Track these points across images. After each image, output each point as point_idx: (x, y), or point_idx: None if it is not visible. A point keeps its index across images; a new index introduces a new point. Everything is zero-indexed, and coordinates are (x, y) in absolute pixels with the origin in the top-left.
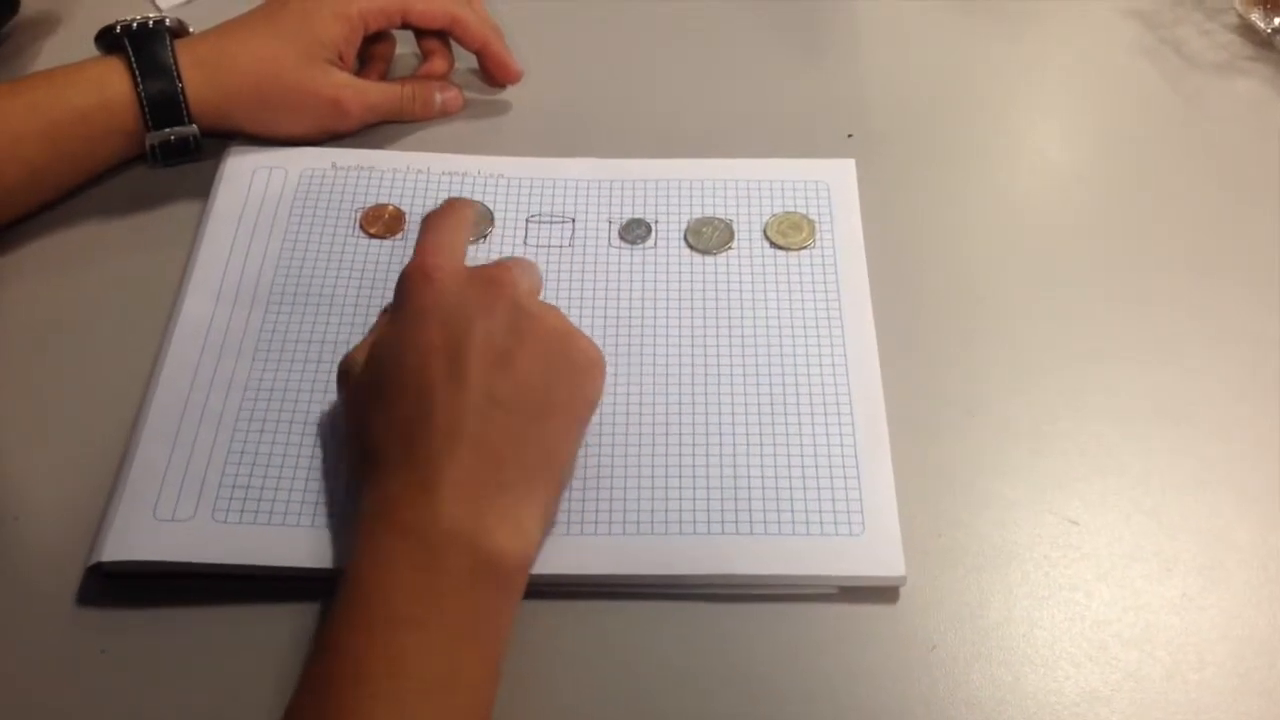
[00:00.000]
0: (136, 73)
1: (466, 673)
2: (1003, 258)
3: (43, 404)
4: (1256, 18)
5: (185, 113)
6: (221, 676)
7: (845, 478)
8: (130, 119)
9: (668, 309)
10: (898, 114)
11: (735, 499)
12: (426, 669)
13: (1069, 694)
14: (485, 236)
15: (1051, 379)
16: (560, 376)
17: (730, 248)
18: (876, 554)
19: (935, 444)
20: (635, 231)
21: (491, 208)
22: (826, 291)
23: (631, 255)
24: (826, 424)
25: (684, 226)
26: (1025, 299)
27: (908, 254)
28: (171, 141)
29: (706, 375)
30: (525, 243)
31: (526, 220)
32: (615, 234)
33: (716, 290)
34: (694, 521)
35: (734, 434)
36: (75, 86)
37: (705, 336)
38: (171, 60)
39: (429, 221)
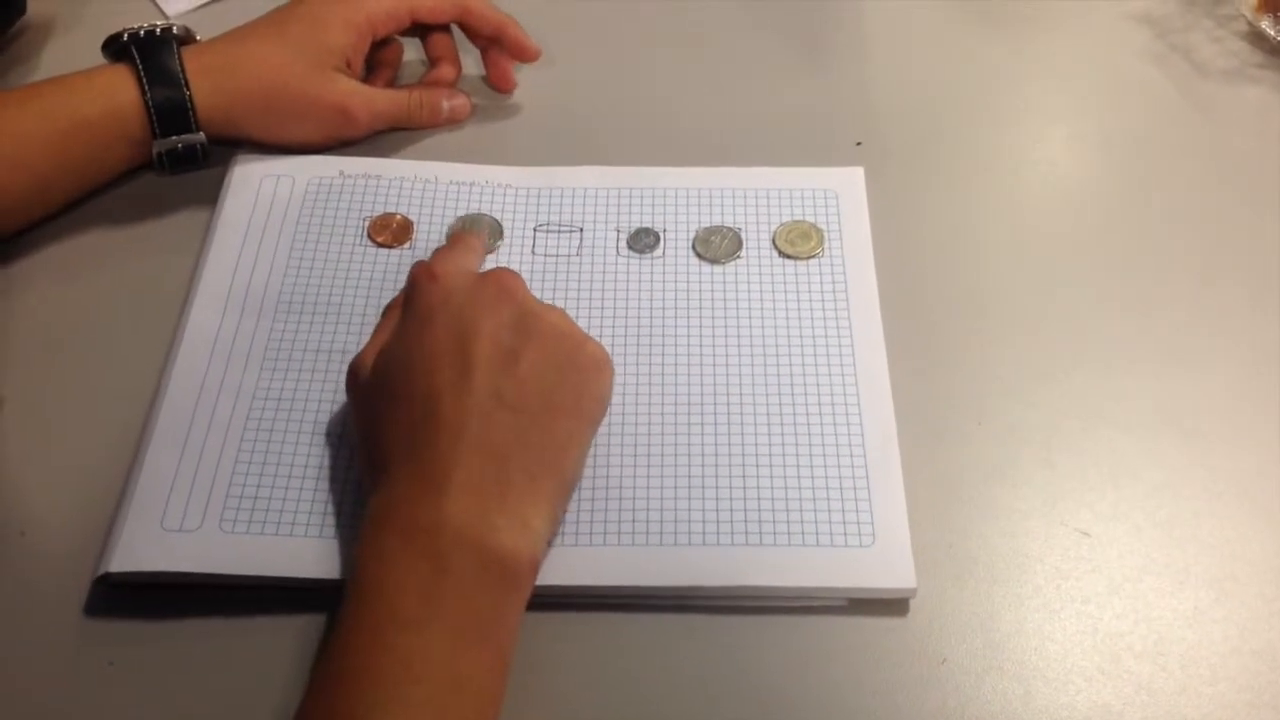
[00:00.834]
0: (144, 81)
1: (474, 673)
2: (1012, 265)
3: (50, 413)
4: (1266, 25)
5: (193, 120)
6: (228, 687)
7: (855, 489)
8: (137, 127)
9: (676, 318)
10: (906, 122)
11: (744, 510)
12: (434, 669)
13: (1081, 707)
14: (494, 250)
15: (1062, 388)
16: (566, 376)
17: (739, 257)
18: (887, 565)
19: (945, 454)
20: (643, 240)
21: (499, 217)
22: (835, 300)
23: (640, 264)
24: (836, 434)
25: (692, 235)
26: (1035, 307)
27: (916, 262)
28: (179, 149)
29: (715, 385)
30: (533, 252)
31: (534, 229)
32: (623, 243)
33: (725, 299)
34: (702, 533)
35: (743, 444)
36: (82, 94)
37: (714, 346)
38: (179, 68)
39: (441, 248)
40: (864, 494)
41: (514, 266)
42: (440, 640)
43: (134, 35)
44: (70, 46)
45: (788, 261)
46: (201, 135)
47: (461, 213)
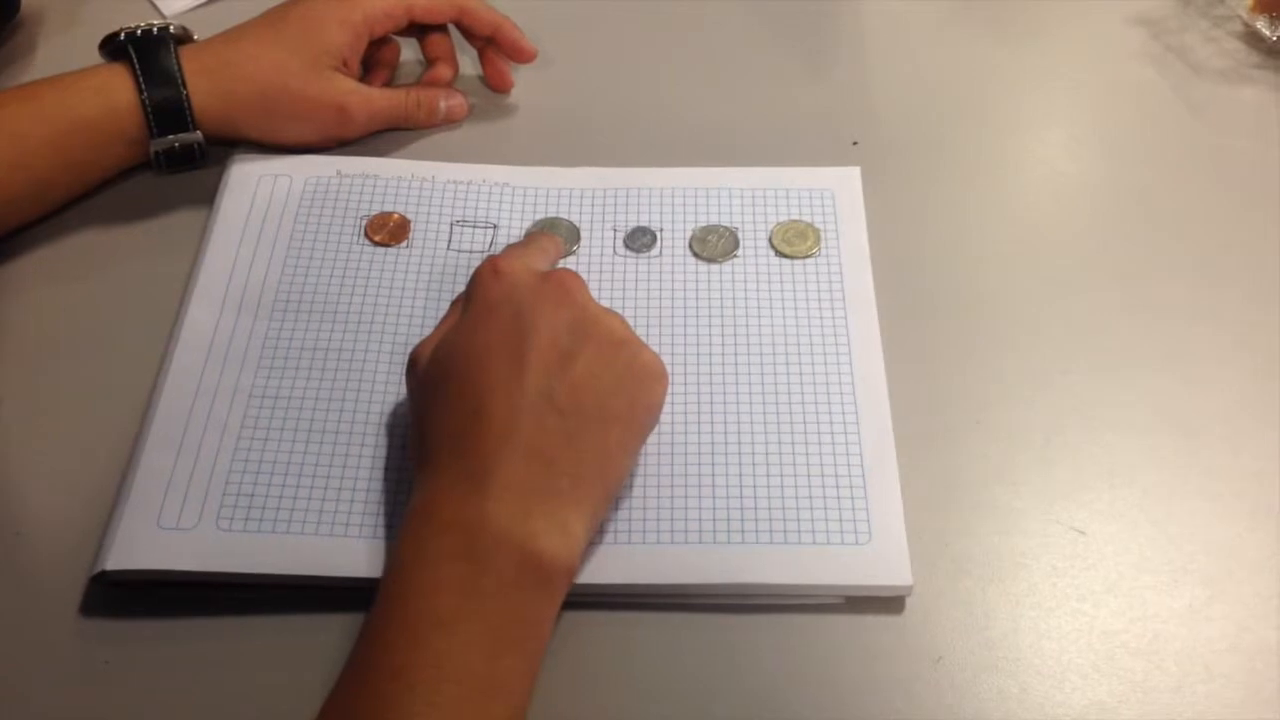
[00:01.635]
0: (141, 80)
1: (507, 676)
2: (1008, 266)
3: (46, 412)
4: (1262, 25)
5: (190, 120)
6: (225, 686)
7: (851, 487)
8: (134, 126)
9: (673, 317)
10: (903, 122)
11: (740, 508)
12: (467, 670)
13: (1076, 705)
14: (572, 254)
15: (1058, 388)
16: (620, 384)
17: (735, 256)
18: (883, 564)
19: (942, 453)
20: (640, 240)
21: (495, 216)
22: (832, 300)
23: (636, 263)
24: (833, 433)
25: (689, 235)
26: (1032, 307)
27: (913, 262)
28: (176, 149)
29: (711, 384)
30: None
31: (529, 229)
32: (620, 242)
33: (722, 298)
34: (699, 531)
35: (739, 443)
36: (79, 94)
37: (710, 345)
38: (176, 67)
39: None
40: (860, 492)
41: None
42: (475, 641)
43: (131, 35)
44: (66, 45)
45: (784, 261)
46: (199, 134)
47: (462, 214)
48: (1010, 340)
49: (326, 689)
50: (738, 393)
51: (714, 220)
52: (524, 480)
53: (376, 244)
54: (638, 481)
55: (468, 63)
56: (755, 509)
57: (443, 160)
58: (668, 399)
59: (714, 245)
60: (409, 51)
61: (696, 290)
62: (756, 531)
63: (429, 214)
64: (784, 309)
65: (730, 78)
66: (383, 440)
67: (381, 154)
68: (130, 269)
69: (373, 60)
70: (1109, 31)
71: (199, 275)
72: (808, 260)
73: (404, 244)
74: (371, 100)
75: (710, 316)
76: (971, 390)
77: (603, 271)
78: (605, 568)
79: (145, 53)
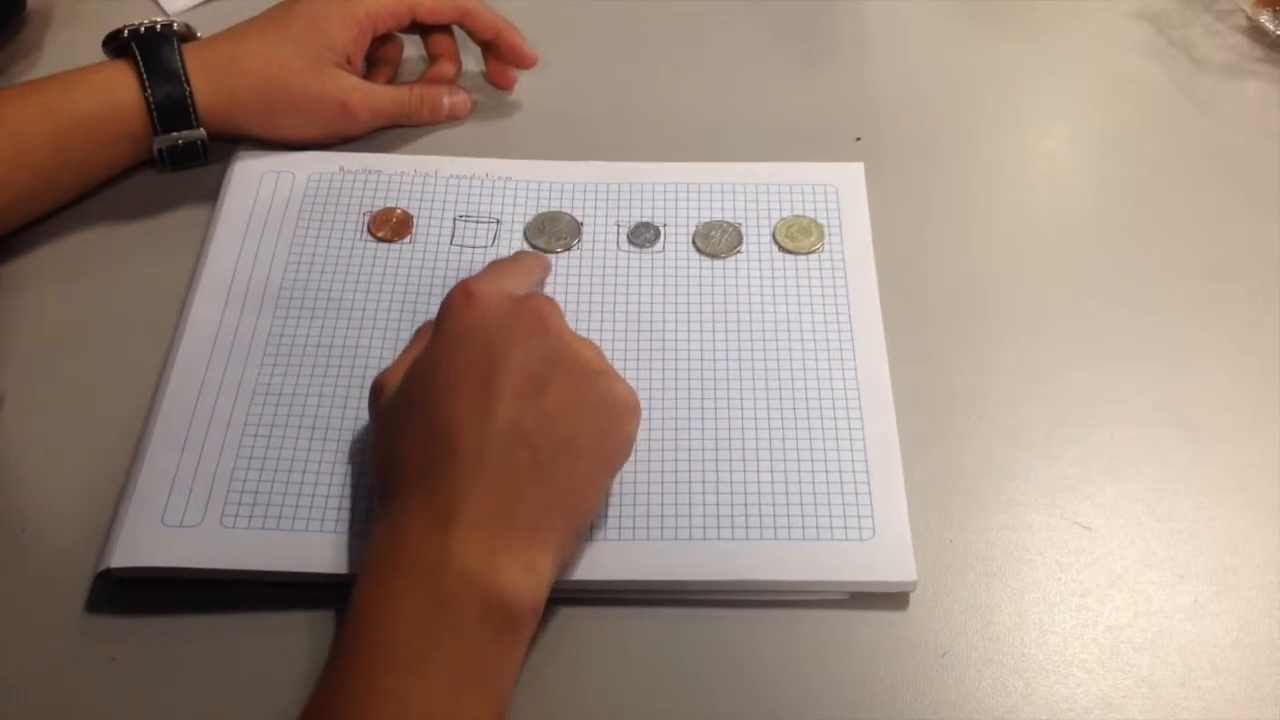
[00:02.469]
0: (144, 77)
1: (470, 718)
2: (1012, 261)
3: (51, 410)
4: (1266, 19)
5: (194, 117)
6: (230, 683)
7: (855, 482)
8: (138, 123)
9: (676, 313)
10: (906, 117)
11: (745, 504)
12: (430, 713)
13: (1081, 701)
14: (571, 249)
15: (1063, 383)
16: (591, 416)
17: (739, 251)
18: (887, 559)
19: (946, 448)
20: (643, 235)
21: (498, 211)
22: (835, 295)
23: (640, 259)
24: (836, 428)
25: (692, 230)
26: (1035, 302)
27: (917, 257)
28: (179, 146)
29: (715, 379)
30: (532, 246)
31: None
32: (623, 237)
33: (725, 294)
34: (703, 527)
35: (743, 439)
36: (83, 91)
37: (714, 340)
38: (179, 65)
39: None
40: (864, 488)
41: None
42: (438, 684)
43: (134, 32)
44: (70, 43)
45: (788, 256)
46: (202, 131)
47: (465, 210)
48: (1014, 335)
49: None
50: (741, 389)
51: (717, 216)
52: (490, 516)
53: (379, 240)
54: (641, 478)
55: (471, 60)
56: (759, 505)
57: (446, 155)
58: (672, 395)
59: (717, 241)
60: (412, 48)
61: (700, 286)
62: (760, 528)
63: (432, 209)
64: (787, 305)
65: (734, 73)
66: (374, 437)
67: (384, 150)
68: (133, 266)
69: (376, 57)
70: (1112, 26)
71: (202, 272)
72: (811, 256)
73: (407, 240)
74: (374, 97)
75: (713, 312)
76: (975, 385)
77: (605, 267)
78: (610, 564)
79: (149, 50)
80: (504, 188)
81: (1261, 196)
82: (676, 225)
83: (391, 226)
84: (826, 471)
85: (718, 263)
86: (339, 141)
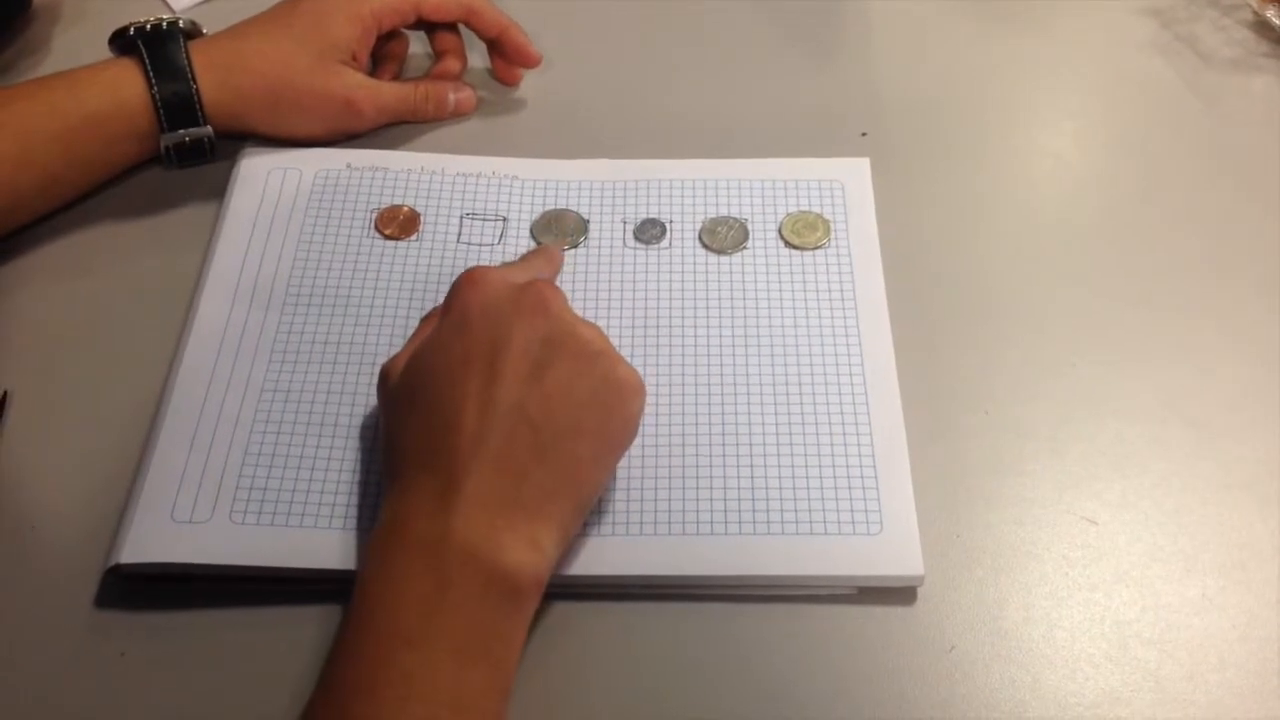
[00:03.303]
0: (151, 75)
1: (475, 692)
2: (1018, 255)
3: (59, 408)
4: (1272, 14)
5: (200, 114)
6: (239, 678)
7: (863, 478)
8: (145, 121)
9: (683, 309)
10: (912, 113)
11: (752, 499)
12: (434, 687)
13: (1089, 695)
14: (578, 246)
15: (1069, 378)
16: (594, 397)
17: (745, 247)
18: (895, 554)
19: (953, 443)
20: (650, 232)
21: (505, 208)
22: (842, 291)
23: (646, 255)
24: (844, 424)
25: (699, 226)
26: (1042, 298)
27: (923, 253)
28: (186, 143)
29: (722, 375)
30: (539, 243)
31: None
32: (630, 234)
33: (731, 290)
34: (710, 522)
35: (750, 434)
36: (89, 89)
37: (720, 336)
38: (185, 62)
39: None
40: (872, 483)
41: (518, 256)
42: (442, 657)
43: (140, 29)
44: (77, 40)
45: (794, 252)
46: (209, 129)
47: (472, 207)
48: (1020, 331)
49: None
50: (748, 384)
51: (723, 212)
52: (493, 494)
53: (387, 237)
54: (649, 473)
55: (476, 56)
56: (766, 500)
57: (452, 153)
58: (679, 391)
59: (724, 237)
60: (417, 45)
61: (706, 282)
62: (768, 523)
63: (439, 207)
64: (794, 300)
65: (739, 69)
66: (380, 424)
67: (391, 147)
68: (141, 264)
69: (381, 54)
70: (1118, 21)
71: (210, 269)
72: (817, 251)
73: (414, 237)
74: (380, 94)
75: (720, 308)
76: (981, 381)
77: (612, 263)
78: (619, 559)
79: (155, 47)
80: (510, 185)
81: (1268, 192)
82: (683, 221)
83: (398, 224)
84: (834, 466)
85: (724, 259)
86: (345, 138)
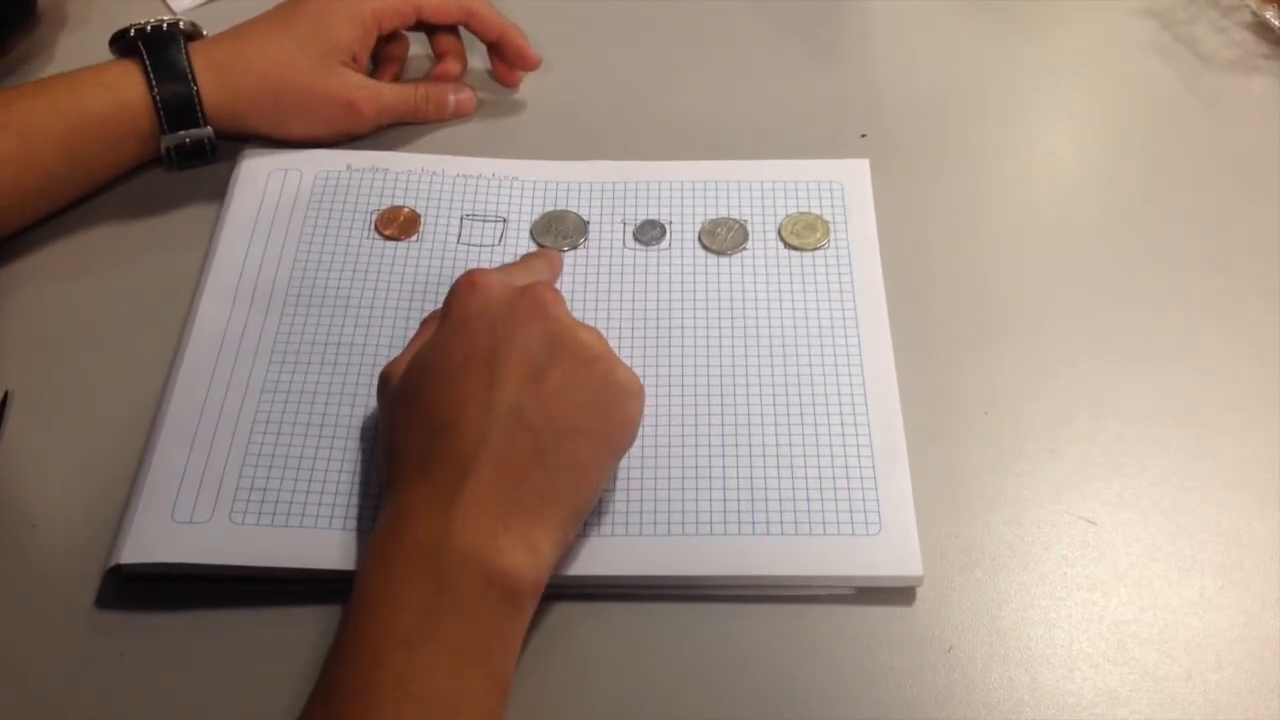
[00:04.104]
0: (151, 76)
1: (472, 695)
2: (1017, 257)
3: (59, 408)
4: (1271, 15)
5: (200, 116)
6: (240, 678)
7: (862, 478)
8: (145, 122)
9: (682, 310)
10: (911, 114)
11: (751, 500)
12: (432, 690)
13: (1087, 695)
14: (578, 247)
15: (1068, 379)
16: (593, 400)
17: (745, 248)
18: (893, 554)
19: (951, 444)
20: (649, 233)
21: (505, 209)
22: (841, 292)
23: (646, 256)
24: (843, 424)
25: (698, 228)
26: (1040, 298)
27: (922, 254)
28: (187, 144)
29: (721, 376)
30: (539, 244)
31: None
32: (629, 235)
33: (731, 291)
34: (710, 523)
35: (750, 435)
36: (90, 90)
37: (720, 337)
38: (186, 63)
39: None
40: (870, 483)
41: (518, 258)
42: (438, 660)
43: (140, 31)
44: (81, 43)
45: (793, 253)
46: (209, 130)
47: (472, 208)
48: (1019, 331)
49: None
50: (747, 385)
51: (723, 213)
52: (491, 497)
53: (387, 238)
54: (649, 473)
55: (477, 58)
56: (765, 500)
57: (452, 154)
58: (679, 392)
59: (723, 238)
60: (418, 46)
61: (706, 283)
62: (767, 523)
63: (439, 208)
64: (793, 301)
65: (739, 71)
66: (380, 427)
67: (391, 148)
68: (141, 264)
69: (382, 55)
70: (1117, 22)
71: (210, 270)
72: (817, 252)
73: (414, 238)
74: (380, 95)
75: (720, 309)
76: (980, 381)
77: (612, 265)
78: (615, 559)
79: (155, 49)
80: (510, 187)
81: (1267, 192)
82: (682, 223)
83: (399, 225)
84: (833, 467)
85: (724, 260)
86: (345, 140)
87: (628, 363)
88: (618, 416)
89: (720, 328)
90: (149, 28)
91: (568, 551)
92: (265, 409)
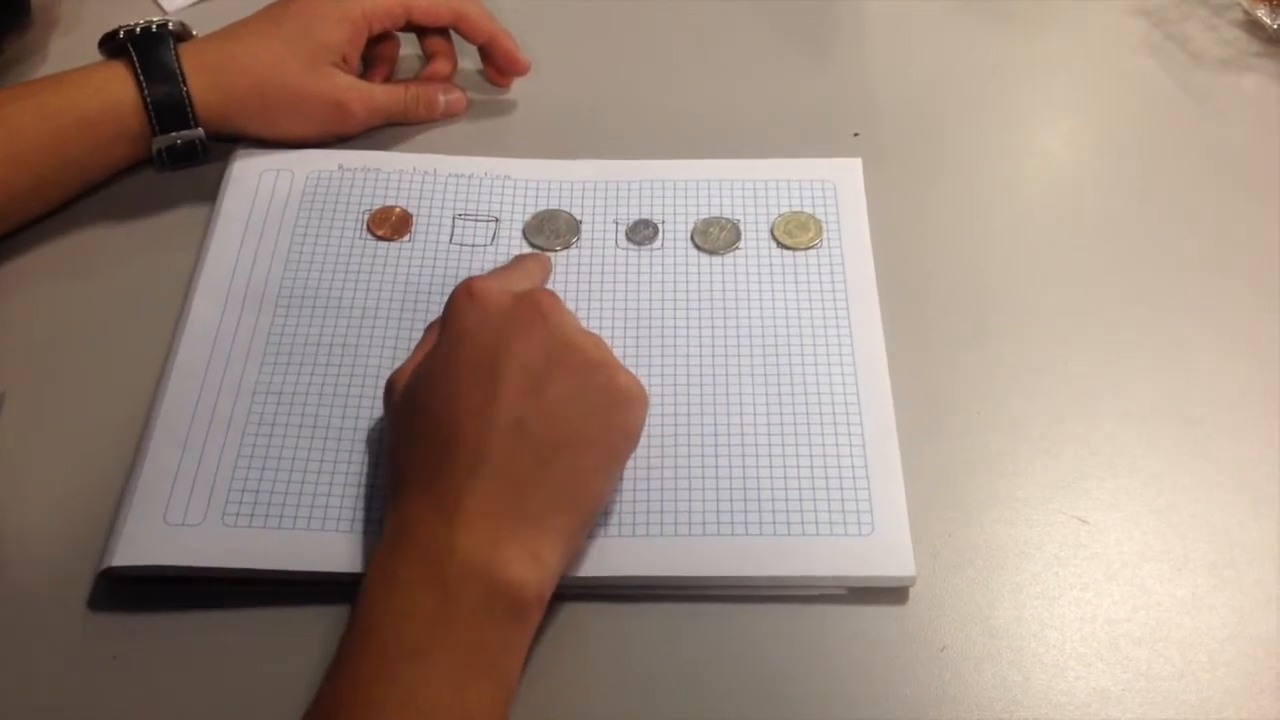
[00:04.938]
0: (141, 77)
1: (475, 706)
2: (1010, 256)
3: (51, 409)
4: (1263, 14)
5: (191, 117)
6: (232, 681)
7: (854, 478)
8: (136, 124)
9: (675, 310)
10: (904, 113)
11: (744, 500)
12: (435, 701)
13: (1079, 694)
14: (571, 247)
15: (1060, 378)
16: (595, 408)
17: (737, 248)
18: (886, 554)
19: (944, 444)
20: (642, 232)
21: (497, 209)
22: (834, 291)
23: (639, 256)
24: (835, 424)
25: (691, 227)
26: (1033, 298)
27: (915, 253)
28: (178, 145)
29: (714, 376)
30: (531, 244)
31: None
32: (622, 235)
33: (724, 290)
34: (703, 523)
35: (742, 435)
36: (80, 91)
37: (713, 337)
38: (175, 64)
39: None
40: (863, 483)
41: (510, 259)
42: (444, 672)
43: (130, 32)
44: (74, 45)
45: (786, 252)
46: (200, 131)
47: (464, 208)
48: (1011, 330)
49: None
50: (740, 385)
51: (715, 212)
52: (495, 508)
53: (379, 238)
54: (641, 474)
55: (467, 59)
56: (758, 501)
57: (445, 154)
58: (671, 392)
59: (716, 237)
60: (408, 47)
61: (698, 283)
62: (760, 523)
63: (431, 208)
64: (786, 301)
65: (732, 70)
66: (386, 435)
67: (383, 148)
68: (133, 265)
69: (372, 56)
70: (1109, 21)
71: (202, 271)
72: (809, 252)
73: (406, 238)
74: (371, 96)
75: (712, 309)
76: (973, 380)
77: (604, 264)
78: (609, 560)
79: (145, 50)
80: (503, 186)
81: (1260, 191)
82: (675, 222)
83: (391, 225)
84: (825, 467)
85: (716, 259)
86: (336, 140)
87: (628, 369)
88: (619, 424)
89: (713, 327)
90: (138, 29)
91: (573, 560)
92: (258, 410)
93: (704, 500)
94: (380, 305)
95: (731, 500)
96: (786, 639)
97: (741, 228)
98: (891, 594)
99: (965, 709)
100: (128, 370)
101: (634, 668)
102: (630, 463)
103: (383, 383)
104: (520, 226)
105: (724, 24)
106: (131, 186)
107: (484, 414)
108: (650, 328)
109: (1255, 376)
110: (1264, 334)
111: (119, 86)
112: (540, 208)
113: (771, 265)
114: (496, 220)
